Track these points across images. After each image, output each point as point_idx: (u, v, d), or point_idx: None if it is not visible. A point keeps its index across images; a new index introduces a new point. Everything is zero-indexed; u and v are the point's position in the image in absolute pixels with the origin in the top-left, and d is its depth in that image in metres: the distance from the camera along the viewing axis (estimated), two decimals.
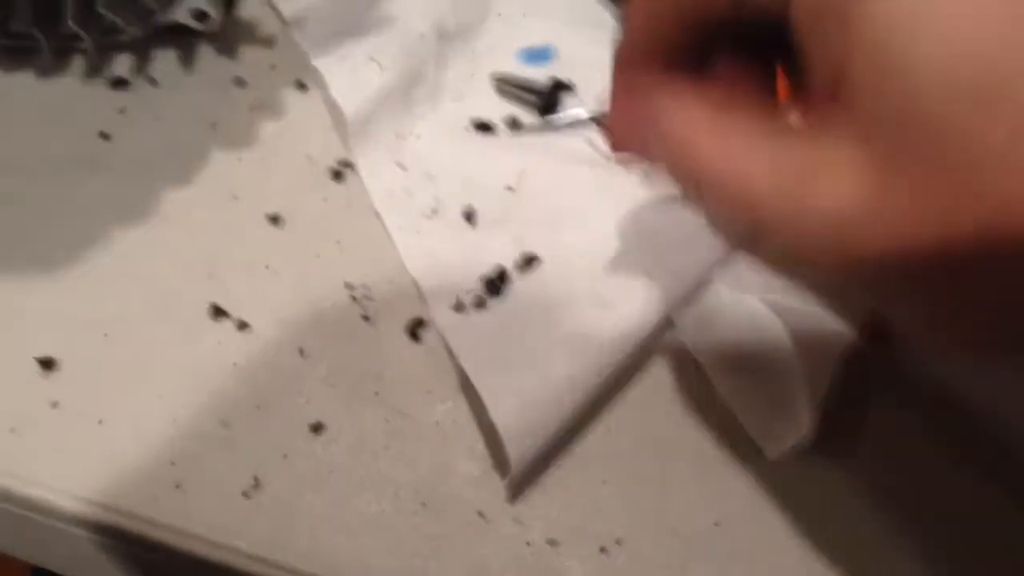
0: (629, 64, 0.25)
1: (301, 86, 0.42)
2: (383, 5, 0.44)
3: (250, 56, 0.43)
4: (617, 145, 0.26)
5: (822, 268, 0.20)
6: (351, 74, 0.41)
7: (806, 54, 0.21)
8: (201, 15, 0.42)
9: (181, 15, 0.41)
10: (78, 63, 0.42)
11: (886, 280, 0.19)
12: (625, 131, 0.25)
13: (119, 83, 0.42)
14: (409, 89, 0.41)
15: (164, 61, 0.43)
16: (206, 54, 0.43)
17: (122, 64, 0.43)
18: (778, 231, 0.20)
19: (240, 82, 0.42)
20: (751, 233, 0.21)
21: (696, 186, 0.22)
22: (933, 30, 0.18)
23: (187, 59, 0.43)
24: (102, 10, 0.39)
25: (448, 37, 0.43)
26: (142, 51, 0.43)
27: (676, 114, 0.22)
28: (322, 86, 0.41)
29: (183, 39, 0.43)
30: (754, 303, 0.34)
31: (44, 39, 0.40)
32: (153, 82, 0.42)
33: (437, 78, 0.42)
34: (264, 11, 0.45)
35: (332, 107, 0.41)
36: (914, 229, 0.18)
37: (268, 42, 0.44)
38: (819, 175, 0.19)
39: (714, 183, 0.21)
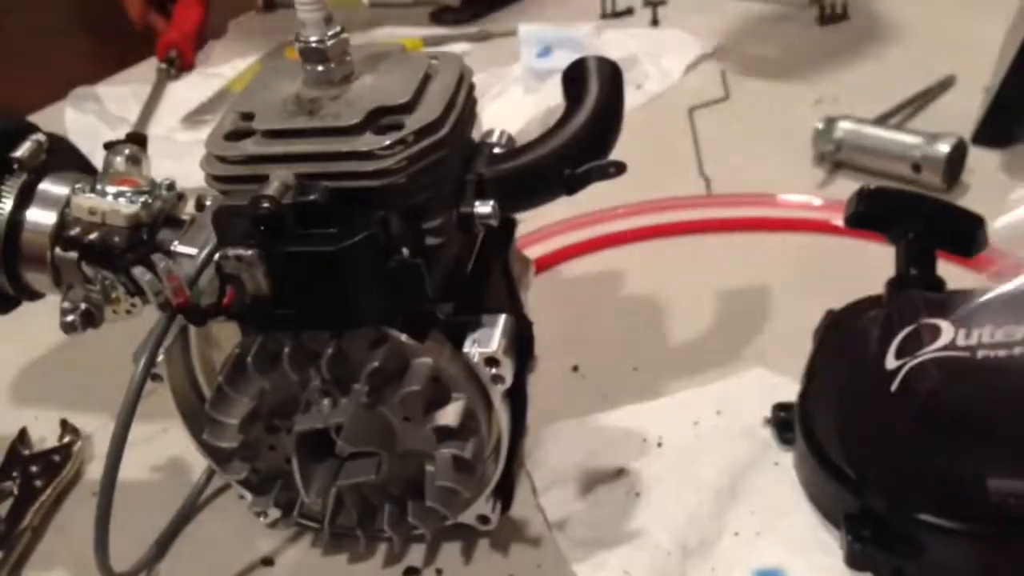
0: None
1: None
2: (636, 515, 0.51)
3: (519, 553, 0.51)
4: None
5: None
6: None
7: None
8: (484, 519, 0.50)
9: (467, 518, 0.50)
10: (382, 551, 0.52)
11: None
12: None
13: (411, 572, 0.51)
14: None
15: (449, 552, 0.51)
16: (483, 548, 0.52)
17: (416, 553, 0.52)
18: None
19: None
20: None
21: None
22: None
23: (467, 552, 0.51)
24: (412, 519, 0.49)
25: (688, 553, 0.49)
26: (433, 544, 0.52)
27: None
28: None
29: (466, 533, 0.52)
30: None
31: (363, 535, 0.50)
32: (439, 572, 0.50)
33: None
34: (534, 512, 0.53)
35: None
36: None
37: (535, 542, 0.52)
38: None
39: None
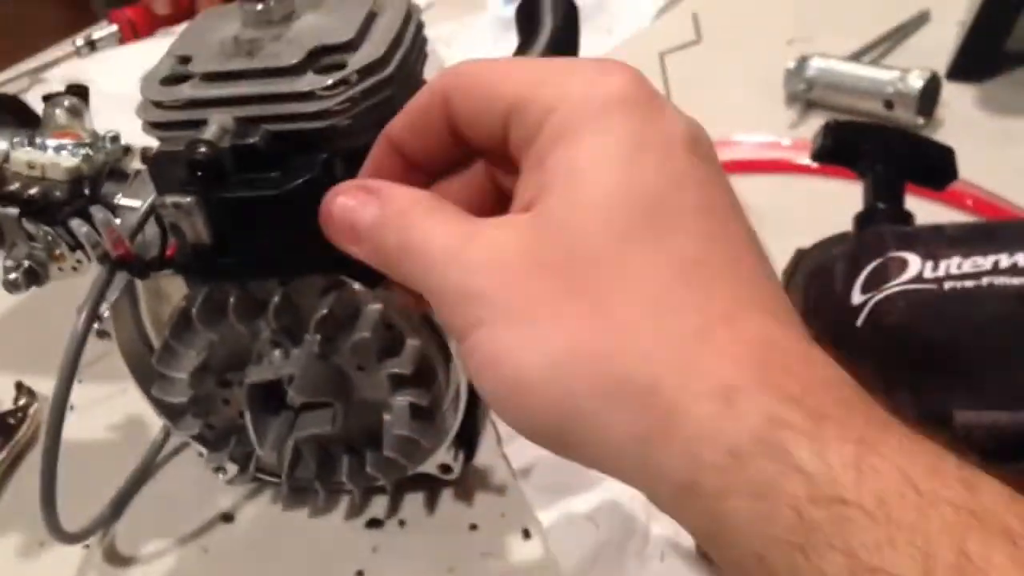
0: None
1: (526, 534, 0.48)
2: None
3: (483, 502, 0.50)
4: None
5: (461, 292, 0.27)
6: (570, 530, 0.47)
7: (521, 179, 0.29)
8: (446, 468, 0.49)
9: (429, 467, 0.49)
10: (343, 503, 0.51)
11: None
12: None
13: (374, 523, 0.50)
14: (623, 543, 0.47)
15: (412, 503, 0.51)
16: (447, 498, 0.51)
17: (378, 505, 0.51)
18: (445, 270, 0.27)
19: (474, 527, 0.49)
20: (432, 282, 0.28)
21: (394, 251, 0.29)
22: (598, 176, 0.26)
23: (431, 502, 0.51)
24: (371, 470, 0.48)
25: None
26: (395, 495, 0.51)
27: (401, 192, 0.30)
28: (544, 536, 0.48)
29: (429, 483, 0.51)
30: None
31: (322, 488, 0.49)
32: (402, 523, 0.50)
33: (647, 535, 0.47)
34: (497, 461, 0.52)
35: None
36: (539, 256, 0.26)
37: (500, 490, 0.51)
38: (484, 233, 0.28)
39: (410, 246, 0.29)
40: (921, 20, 0.88)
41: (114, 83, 0.92)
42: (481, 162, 0.32)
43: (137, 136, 0.45)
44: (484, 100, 0.30)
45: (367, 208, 0.31)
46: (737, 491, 0.22)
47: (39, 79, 0.97)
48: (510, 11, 0.94)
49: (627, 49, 0.91)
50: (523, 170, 0.29)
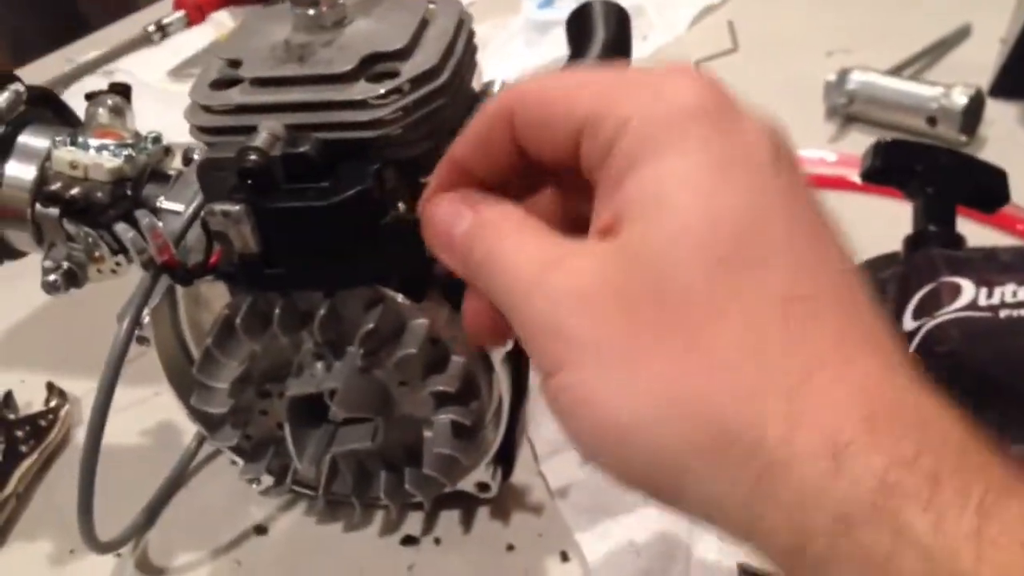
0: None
1: (564, 557, 0.47)
2: None
3: (520, 521, 0.49)
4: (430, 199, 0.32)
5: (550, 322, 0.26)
6: (610, 555, 0.46)
7: (597, 199, 0.27)
8: (484, 487, 0.48)
9: (467, 485, 0.48)
10: (378, 518, 0.50)
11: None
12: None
13: (409, 540, 0.49)
14: (665, 570, 0.46)
15: (448, 520, 0.50)
16: (483, 516, 0.50)
17: (414, 520, 0.50)
18: (517, 294, 0.27)
19: (511, 547, 0.48)
20: (515, 304, 0.27)
21: (481, 262, 0.28)
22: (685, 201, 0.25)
23: (467, 521, 0.50)
24: (409, 487, 0.47)
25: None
26: (431, 513, 0.50)
27: (493, 205, 0.30)
28: (583, 560, 0.47)
29: (465, 501, 0.50)
30: None
31: (358, 503, 0.48)
32: (437, 541, 0.49)
33: (688, 561, 0.46)
34: (534, 479, 0.51)
35: None
36: (624, 284, 0.25)
37: (537, 510, 0.50)
38: (569, 260, 0.26)
39: (496, 258, 0.28)
40: (961, 35, 0.86)
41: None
42: (552, 184, 0.31)
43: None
44: (552, 117, 0.28)
45: (462, 218, 0.30)
46: (848, 560, 0.21)
47: (108, 71, 0.96)
48: (543, 15, 0.93)
49: (663, 56, 0.90)
50: (599, 191, 0.27)
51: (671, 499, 0.25)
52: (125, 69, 0.93)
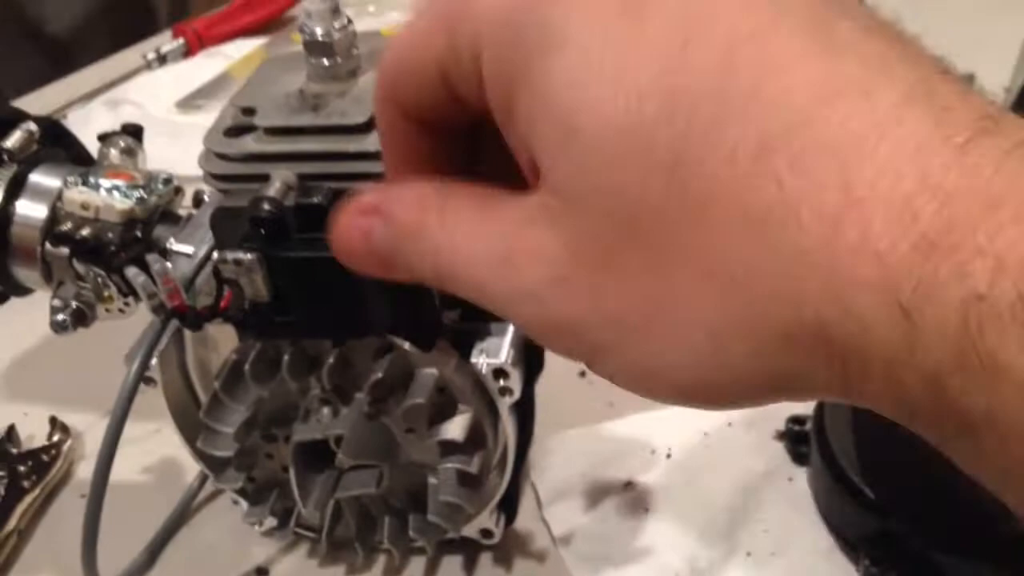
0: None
1: None
2: (644, 531, 0.50)
3: (523, 568, 0.49)
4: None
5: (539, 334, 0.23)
6: None
7: (505, 135, 0.23)
8: (487, 533, 0.48)
9: (470, 531, 0.49)
10: (381, 561, 0.50)
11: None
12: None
13: None
14: None
15: (450, 565, 0.50)
16: (485, 562, 0.50)
17: (416, 565, 0.50)
18: (504, 307, 0.24)
19: None
20: (506, 313, 0.24)
21: (438, 278, 0.25)
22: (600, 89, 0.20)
23: (470, 567, 0.50)
24: (413, 533, 0.47)
25: (698, 573, 0.48)
26: (434, 558, 0.50)
27: (398, 198, 0.25)
28: None
29: (468, 547, 0.50)
30: None
31: (362, 548, 0.48)
32: None
33: None
34: (537, 525, 0.51)
35: None
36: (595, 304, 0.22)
37: (540, 557, 0.50)
38: (520, 261, 0.22)
39: (446, 268, 0.24)
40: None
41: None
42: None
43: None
44: (414, 75, 0.25)
45: (375, 231, 0.26)
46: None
47: (111, 100, 0.96)
48: None
49: None
50: (500, 126, 0.24)
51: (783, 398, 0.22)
52: (133, 100, 0.93)
